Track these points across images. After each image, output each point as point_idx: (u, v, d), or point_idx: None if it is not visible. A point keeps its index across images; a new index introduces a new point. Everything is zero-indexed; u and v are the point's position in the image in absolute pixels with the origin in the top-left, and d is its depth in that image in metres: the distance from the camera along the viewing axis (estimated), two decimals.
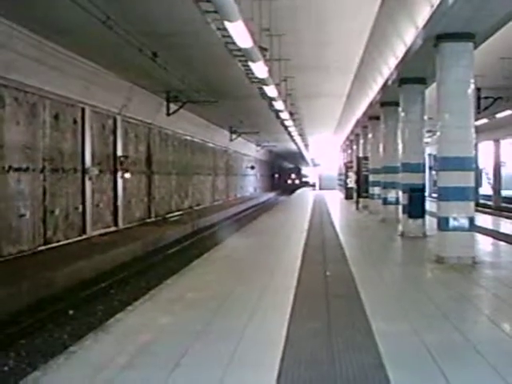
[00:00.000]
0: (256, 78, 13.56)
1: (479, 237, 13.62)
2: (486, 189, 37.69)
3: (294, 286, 8.44)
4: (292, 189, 72.26)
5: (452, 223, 10.45)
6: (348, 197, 33.80)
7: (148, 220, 23.35)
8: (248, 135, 39.28)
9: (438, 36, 10.34)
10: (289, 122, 24.52)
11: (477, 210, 13.76)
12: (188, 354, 5.33)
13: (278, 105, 18.32)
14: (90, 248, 15.52)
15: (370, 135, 23.44)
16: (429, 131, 22.88)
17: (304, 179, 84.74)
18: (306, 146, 49.79)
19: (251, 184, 58.02)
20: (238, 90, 20.65)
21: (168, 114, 22.71)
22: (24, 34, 12.66)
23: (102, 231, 18.64)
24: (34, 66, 13.73)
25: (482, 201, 34.05)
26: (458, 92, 10.51)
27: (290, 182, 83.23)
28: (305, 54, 15.66)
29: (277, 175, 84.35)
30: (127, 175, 20.55)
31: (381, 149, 19.57)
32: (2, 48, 12.37)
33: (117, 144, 20.06)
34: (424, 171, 15.33)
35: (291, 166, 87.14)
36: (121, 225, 20.30)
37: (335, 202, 35.26)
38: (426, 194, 17.60)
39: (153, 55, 14.42)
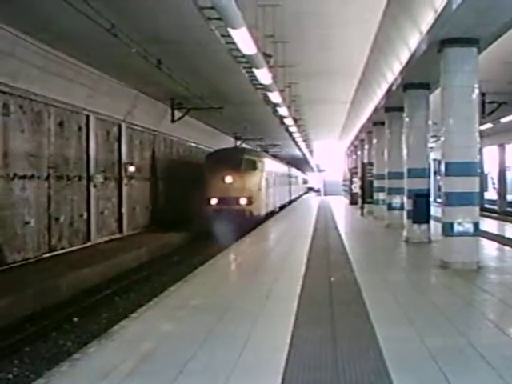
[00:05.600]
0: (260, 84, 13.60)
1: (484, 242, 13.57)
2: (491, 193, 37.58)
3: (299, 291, 8.43)
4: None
5: (457, 228, 10.42)
6: (353, 202, 33.72)
7: (153, 226, 23.33)
8: (253, 141, 39.28)
9: (442, 41, 10.33)
10: (293, 128, 24.52)
11: (482, 215, 13.73)
12: (192, 361, 5.31)
13: (283, 111, 18.33)
14: (94, 255, 15.53)
15: (374, 141, 23.38)
16: (433, 136, 22.84)
17: (307, 185, 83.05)
18: (311, 151, 49.77)
19: None
20: (243, 97, 20.67)
21: (173, 121, 22.73)
22: (29, 42, 12.71)
23: (107, 238, 18.66)
24: (38, 74, 13.78)
25: (487, 205, 33.95)
26: (462, 97, 10.49)
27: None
28: (309, 60, 15.67)
29: None
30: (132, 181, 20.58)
31: (385, 154, 19.52)
32: (7, 56, 12.43)
33: (121, 151, 20.12)
34: (429, 176, 15.29)
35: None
36: (125, 232, 20.32)
37: (340, 208, 35.24)
38: (431, 199, 17.54)
39: (157, 62, 14.44)
